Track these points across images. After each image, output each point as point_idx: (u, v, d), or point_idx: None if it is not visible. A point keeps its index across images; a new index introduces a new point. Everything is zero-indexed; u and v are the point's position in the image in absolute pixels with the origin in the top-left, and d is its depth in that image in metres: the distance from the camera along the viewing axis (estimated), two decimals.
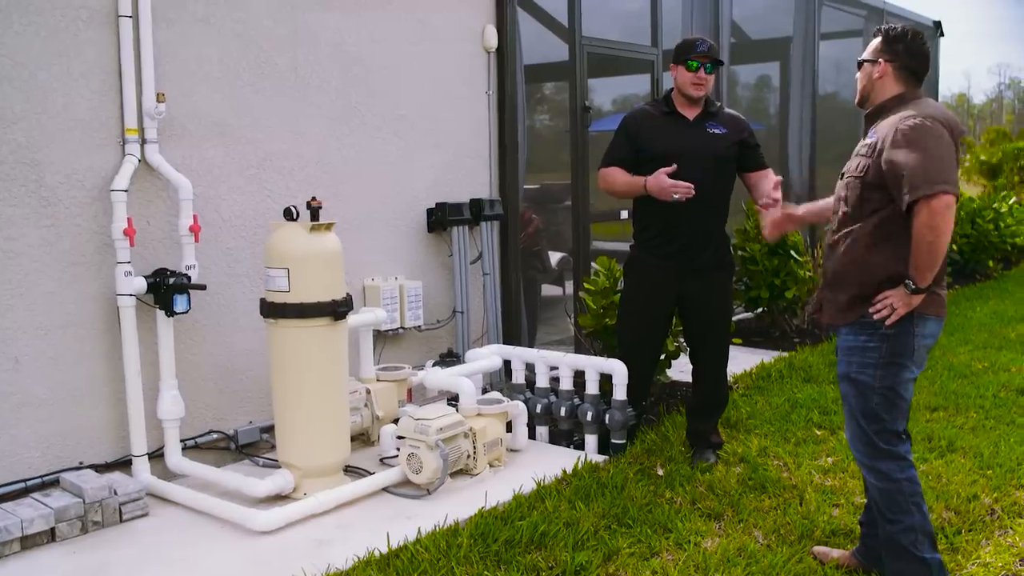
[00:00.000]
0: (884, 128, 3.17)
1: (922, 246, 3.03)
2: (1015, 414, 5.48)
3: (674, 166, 4.38)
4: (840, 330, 3.36)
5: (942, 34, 12.70)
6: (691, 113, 4.61)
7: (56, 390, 4.10)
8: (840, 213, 3.31)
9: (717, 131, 4.59)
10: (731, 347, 4.93)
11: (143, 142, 4.29)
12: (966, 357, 6.89)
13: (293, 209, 4.16)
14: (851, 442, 3.35)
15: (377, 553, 3.60)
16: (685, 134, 4.59)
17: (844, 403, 3.35)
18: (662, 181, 4.38)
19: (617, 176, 4.61)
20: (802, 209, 3.80)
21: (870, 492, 3.37)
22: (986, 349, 7.26)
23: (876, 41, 3.32)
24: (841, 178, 3.39)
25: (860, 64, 3.33)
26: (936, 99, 13.18)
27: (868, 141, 3.22)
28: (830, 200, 3.60)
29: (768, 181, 4.58)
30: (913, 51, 3.26)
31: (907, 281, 3.10)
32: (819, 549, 3.67)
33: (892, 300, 3.13)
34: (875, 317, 3.16)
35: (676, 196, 4.37)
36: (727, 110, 4.81)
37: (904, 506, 3.19)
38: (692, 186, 4.36)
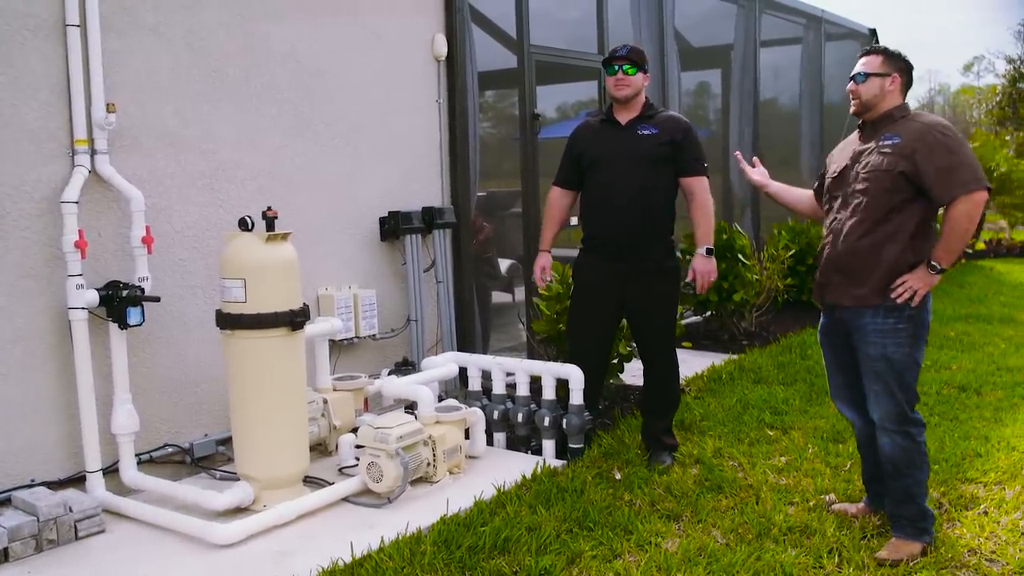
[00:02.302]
0: (911, 133, 3.62)
1: (958, 233, 3.56)
2: (957, 410, 5.64)
3: (550, 265, 5.02)
4: (859, 314, 3.71)
5: (877, 41, 13.01)
6: (625, 118, 4.72)
7: (6, 407, 4.01)
8: (857, 204, 3.70)
9: (646, 132, 4.67)
10: (682, 351, 5.01)
11: (93, 153, 4.23)
12: None
13: (248, 219, 4.13)
14: (882, 416, 3.72)
15: (341, 563, 3.60)
16: (614, 138, 4.71)
17: (875, 381, 3.70)
18: (537, 262, 5.02)
19: (549, 213, 5.01)
20: (774, 185, 4.28)
21: (884, 453, 3.76)
22: (927, 348, 7.41)
23: (876, 58, 3.76)
24: (834, 175, 3.84)
25: (864, 77, 3.72)
26: None
27: (889, 143, 3.65)
28: (797, 190, 4.26)
29: (696, 193, 4.74)
30: (911, 68, 3.79)
31: (933, 263, 3.61)
32: (838, 507, 4.14)
33: (911, 283, 3.61)
34: (899, 300, 3.61)
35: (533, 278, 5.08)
36: (668, 113, 4.85)
37: (918, 463, 3.71)
38: (545, 279, 5.00)
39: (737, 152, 4.26)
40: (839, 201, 3.81)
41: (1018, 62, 26.49)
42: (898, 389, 3.66)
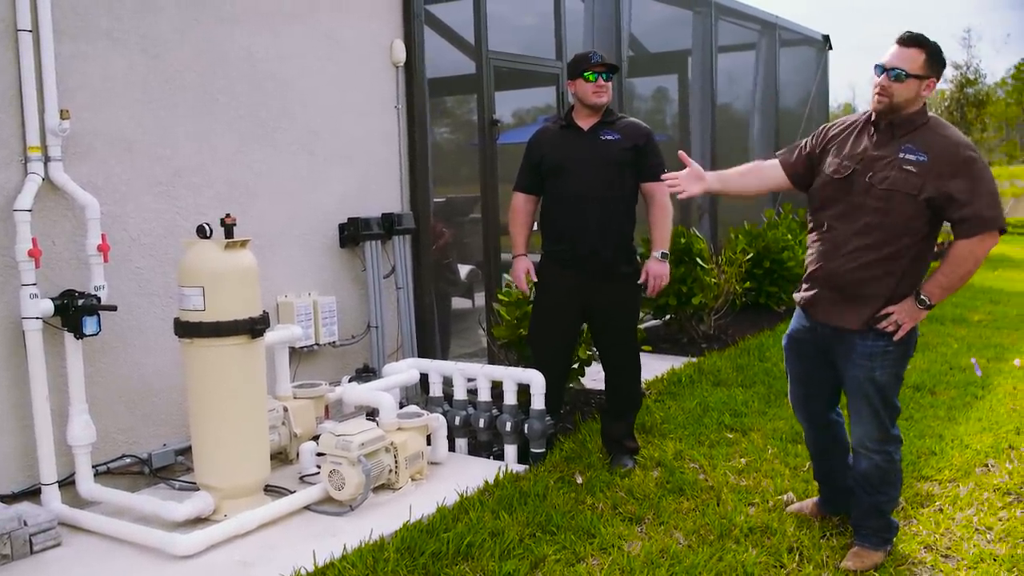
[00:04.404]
0: (939, 151, 3.29)
1: (960, 273, 3.33)
2: (912, 410, 5.73)
3: (530, 269, 4.93)
4: (846, 335, 3.52)
5: (830, 47, 13.20)
6: (587, 123, 4.75)
7: None
8: (868, 222, 3.39)
9: (609, 138, 4.70)
10: (641, 354, 5.03)
11: (47, 160, 4.16)
12: None
13: (206, 226, 4.09)
14: (864, 436, 3.59)
15: (303, 571, 3.57)
16: (577, 144, 4.73)
17: (862, 402, 3.55)
18: (518, 266, 4.95)
19: (515, 219, 4.99)
20: (710, 176, 3.78)
21: (858, 471, 3.66)
22: None
23: (919, 54, 3.32)
24: (837, 176, 3.47)
25: (904, 76, 3.30)
26: (827, 110, 13.70)
27: (913, 158, 3.30)
28: (735, 172, 3.85)
29: (656, 198, 4.75)
30: (944, 69, 3.40)
31: (924, 297, 3.35)
32: (793, 507, 4.15)
33: (898, 316, 3.37)
34: (887, 330, 3.40)
35: (509, 278, 5.15)
36: (629, 119, 4.89)
37: (894, 481, 3.66)
38: (524, 282, 4.94)
39: (681, 152, 3.91)
40: (840, 208, 3.46)
41: (964, 68, 27.01)
42: (882, 408, 3.53)
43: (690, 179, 3.74)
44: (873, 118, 3.48)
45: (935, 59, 3.35)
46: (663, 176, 3.91)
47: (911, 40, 3.34)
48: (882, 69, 3.35)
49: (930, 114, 3.42)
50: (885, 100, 3.34)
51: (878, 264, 3.39)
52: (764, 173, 3.81)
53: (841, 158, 3.50)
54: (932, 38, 3.34)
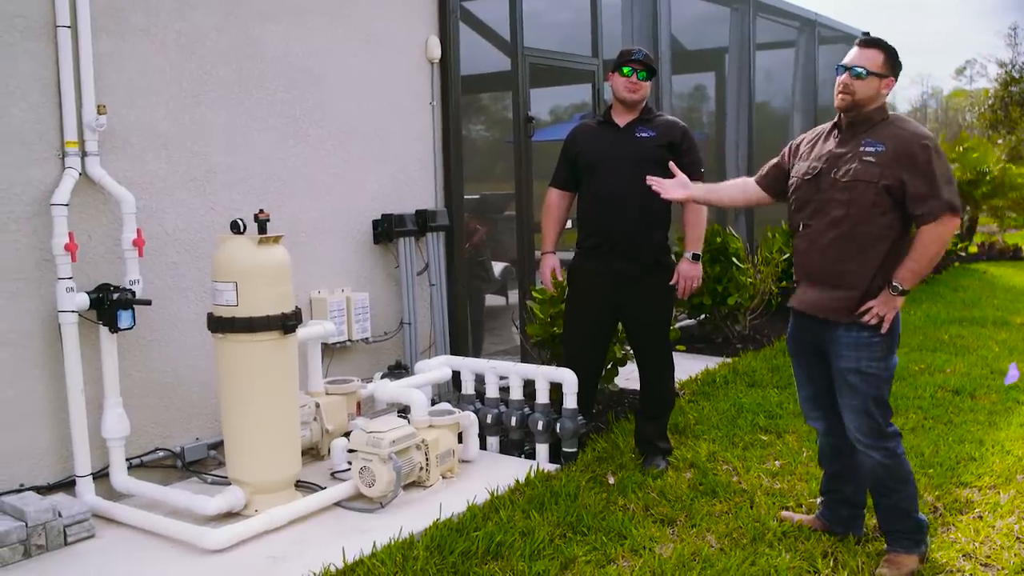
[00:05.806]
0: (896, 142, 3.45)
1: (928, 256, 3.45)
2: (952, 414, 5.63)
3: (556, 267, 5.07)
4: (831, 327, 3.59)
5: None
6: (624, 120, 4.72)
7: None
8: (836, 215, 3.52)
9: (644, 135, 4.68)
10: (676, 354, 5.00)
11: (84, 155, 4.19)
12: (903, 359, 7.05)
13: (240, 222, 4.10)
14: (857, 431, 3.58)
15: (333, 568, 3.57)
16: (612, 140, 4.72)
17: (850, 395, 3.57)
18: (545, 264, 5.05)
19: (548, 215, 5.00)
20: (696, 187, 4.12)
21: (865, 471, 3.67)
22: (921, 351, 7.46)
23: (878, 54, 3.54)
24: (807, 177, 3.63)
25: (865, 73, 3.50)
26: None
27: (872, 150, 3.47)
28: (724, 185, 4.20)
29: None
30: (901, 71, 3.61)
31: (896, 284, 3.44)
32: (786, 513, 4.08)
33: (877, 309, 3.46)
34: (871, 323, 3.47)
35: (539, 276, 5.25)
36: (667, 117, 4.87)
37: (904, 476, 3.59)
38: (550, 280, 5.09)
39: (649, 178, 4.14)
40: (812, 207, 3.60)
41: (1009, 66, 26.58)
42: (873, 404, 3.52)
43: (674, 185, 4.08)
44: (838, 119, 3.67)
45: (893, 59, 3.57)
46: (648, 179, 4.14)
47: (870, 43, 3.58)
48: (844, 68, 3.56)
49: (891, 112, 3.58)
50: (848, 97, 3.54)
51: (850, 255, 3.51)
52: (748, 186, 4.05)
53: (809, 161, 3.68)
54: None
